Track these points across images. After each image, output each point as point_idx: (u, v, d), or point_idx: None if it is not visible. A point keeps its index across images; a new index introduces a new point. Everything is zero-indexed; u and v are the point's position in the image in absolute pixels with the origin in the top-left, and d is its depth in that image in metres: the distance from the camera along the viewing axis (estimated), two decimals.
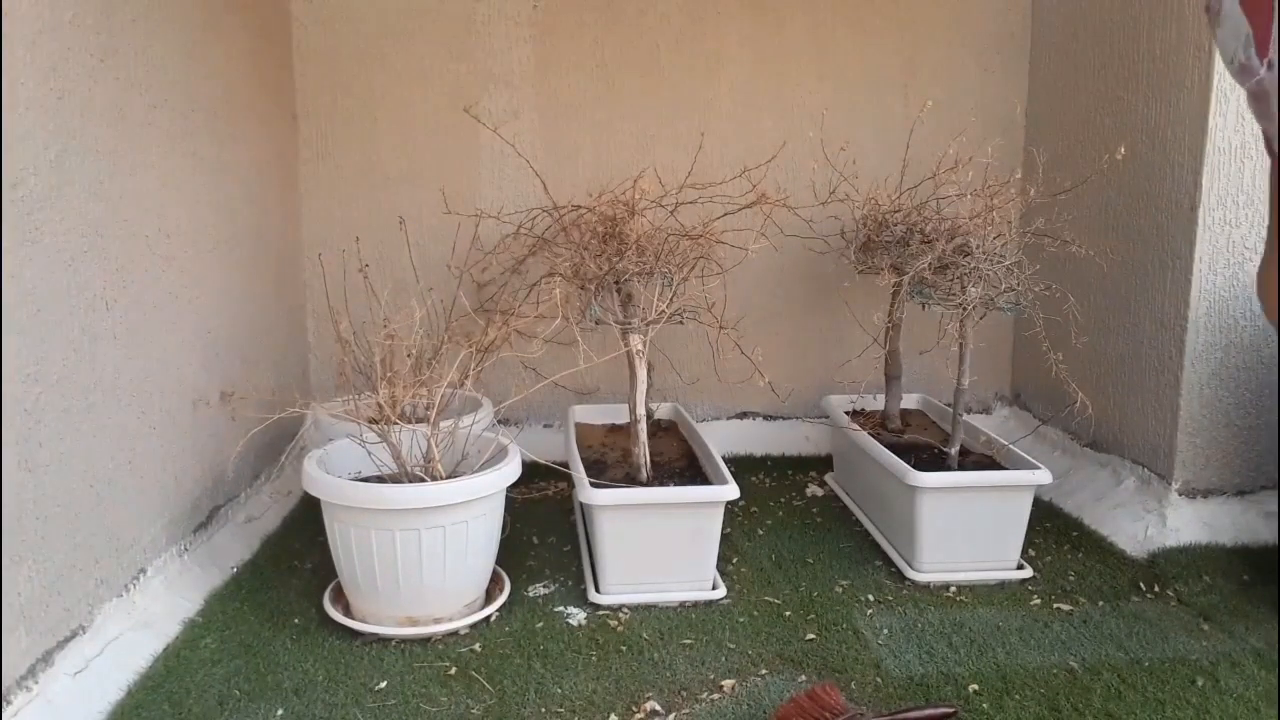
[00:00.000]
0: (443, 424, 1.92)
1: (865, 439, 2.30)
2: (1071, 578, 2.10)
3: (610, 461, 2.23)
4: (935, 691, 1.65)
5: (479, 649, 1.78)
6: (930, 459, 2.23)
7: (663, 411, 2.58)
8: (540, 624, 1.88)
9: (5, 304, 1.40)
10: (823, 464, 2.83)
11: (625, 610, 1.94)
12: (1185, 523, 2.22)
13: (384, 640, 1.81)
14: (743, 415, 3.01)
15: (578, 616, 1.91)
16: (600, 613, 1.93)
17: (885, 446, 2.21)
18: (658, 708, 1.60)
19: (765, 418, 3.01)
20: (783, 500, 2.59)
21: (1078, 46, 2.64)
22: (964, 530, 2.06)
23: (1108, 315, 2.52)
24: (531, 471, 2.17)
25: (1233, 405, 2.22)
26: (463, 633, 1.84)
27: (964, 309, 2.14)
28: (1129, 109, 2.40)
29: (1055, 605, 1.98)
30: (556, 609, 1.94)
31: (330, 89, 2.74)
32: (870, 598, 2.01)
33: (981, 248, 2.12)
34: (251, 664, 1.72)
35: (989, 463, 2.20)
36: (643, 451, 2.08)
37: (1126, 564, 2.16)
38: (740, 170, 2.39)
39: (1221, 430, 2.23)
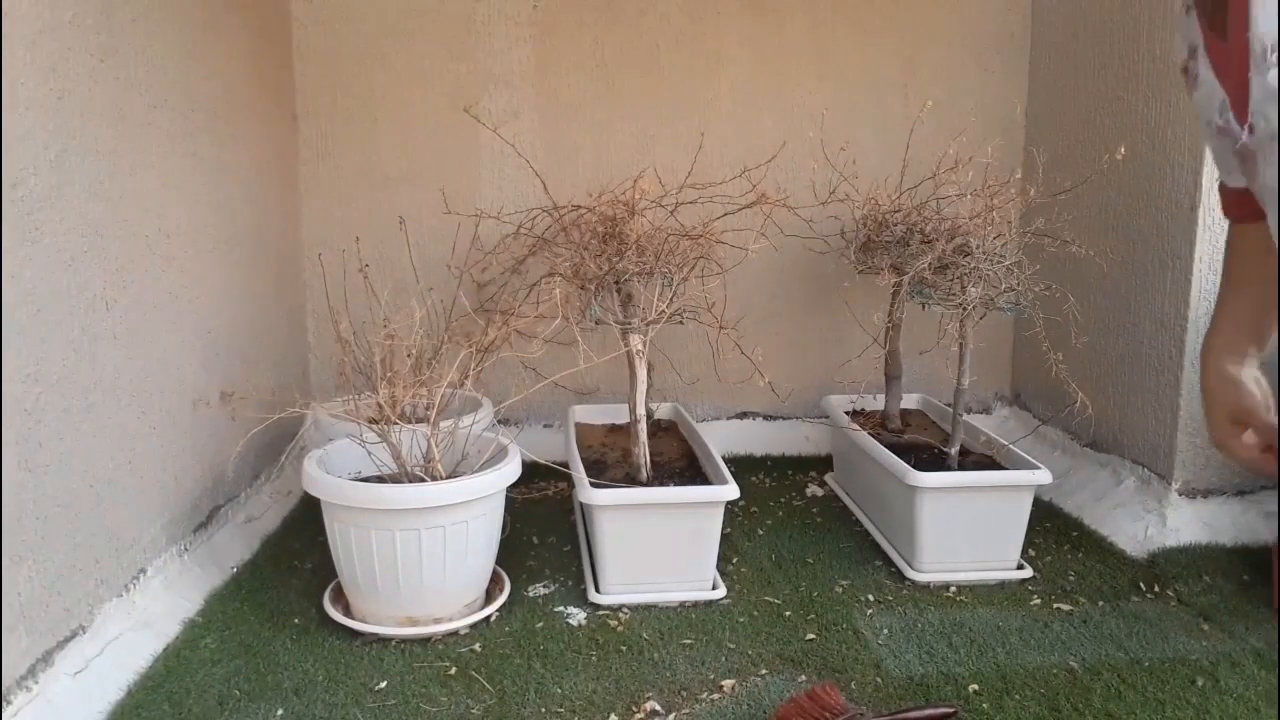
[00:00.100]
0: (443, 424, 1.92)
1: (865, 439, 2.30)
2: (1071, 578, 2.10)
3: (610, 461, 2.23)
4: (935, 691, 1.65)
5: (479, 649, 1.78)
6: (930, 459, 2.23)
7: (663, 411, 2.58)
8: (540, 624, 1.88)
9: (5, 304, 1.40)
10: (823, 464, 2.83)
11: (625, 610, 1.94)
12: (1185, 523, 2.22)
13: (384, 640, 1.81)
14: (743, 415, 3.01)
15: (578, 616, 1.91)
16: (600, 613, 1.93)
17: (885, 446, 2.21)
18: (658, 708, 1.60)
19: (765, 418, 3.01)
20: (783, 500, 2.59)
21: (1078, 46, 2.64)
22: (964, 530, 2.06)
23: (1108, 315, 2.52)
24: (531, 471, 2.17)
25: None
26: (463, 633, 1.84)
27: (964, 309, 2.14)
28: (1129, 109, 2.40)
29: (1055, 605, 1.97)
30: (556, 609, 1.94)
31: (330, 89, 2.74)
32: (870, 598, 2.01)
33: (981, 248, 2.12)
34: (251, 664, 1.72)
35: (989, 463, 2.20)
36: (643, 451, 2.08)
37: (1126, 564, 2.16)
38: (740, 170, 2.39)
39: None
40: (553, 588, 2.04)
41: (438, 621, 1.83)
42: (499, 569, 2.00)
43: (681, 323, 2.21)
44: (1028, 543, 2.17)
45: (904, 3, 2.84)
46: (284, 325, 2.66)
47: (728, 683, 1.67)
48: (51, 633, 1.54)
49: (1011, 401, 3.09)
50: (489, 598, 1.95)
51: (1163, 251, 2.28)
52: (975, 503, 2.06)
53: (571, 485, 2.39)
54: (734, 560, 2.18)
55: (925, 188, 2.36)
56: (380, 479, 1.88)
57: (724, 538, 2.09)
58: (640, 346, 2.07)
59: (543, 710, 1.59)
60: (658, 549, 1.95)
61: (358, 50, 2.73)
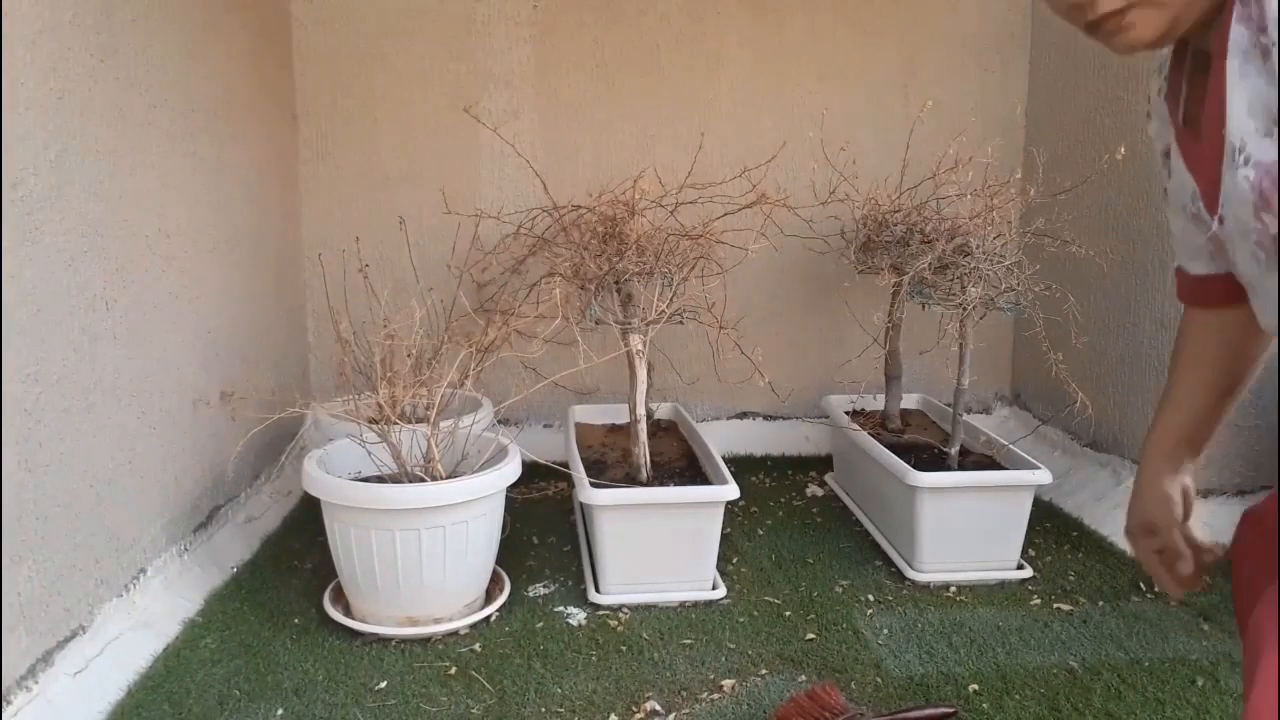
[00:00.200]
0: (443, 424, 1.92)
1: (865, 439, 2.30)
2: (1071, 578, 2.10)
3: (610, 461, 2.23)
4: (935, 691, 1.65)
5: (479, 649, 1.78)
6: (930, 459, 2.23)
7: (663, 411, 2.58)
8: (540, 624, 1.88)
9: (5, 304, 1.40)
10: (823, 464, 2.83)
11: (625, 610, 1.94)
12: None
13: (384, 640, 1.81)
14: (743, 415, 3.01)
15: (578, 616, 1.91)
16: (600, 613, 1.93)
17: (885, 446, 2.21)
18: (658, 708, 1.60)
19: (765, 418, 3.01)
20: (783, 500, 2.59)
21: (1078, 46, 2.64)
22: (964, 530, 2.06)
23: (1108, 315, 2.51)
24: (531, 471, 2.17)
25: None
26: (463, 633, 1.84)
27: (964, 309, 2.14)
28: (1129, 109, 2.40)
29: (1055, 605, 1.97)
30: (556, 609, 1.94)
31: (330, 89, 2.74)
32: (870, 598, 2.01)
33: (981, 248, 2.12)
34: (251, 664, 1.72)
35: (989, 463, 2.20)
36: (643, 451, 2.08)
37: (1126, 564, 2.16)
38: (740, 170, 2.39)
39: (1221, 430, 2.22)
40: (553, 588, 2.04)
41: (438, 621, 1.83)
42: (499, 569, 2.00)
43: (681, 323, 2.21)
44: (1028, 543, 2.17)
45: (904, 3, 2.84)
46: (284, 325, 2.66)
47: (728, 683, 1.67)
48: (51, 633, 1.54)
49: (1011, 401, 3.09)
50: (489, 598, 1.94)
51: (1163, 251, 2.27)
52: (975, 503, 2.06)
53: (571, 485, 2.39)
54: (734, 560, 2.18)
55: (925, 188, 2.36)
56: (380, 479, 1.88)
57: (724, 538, 2.09)
58: (640, 346, 2.07)
59: (543, 710, 1.59)
60: (658, 549, 1.95)
61: (358, 50, 2.73)
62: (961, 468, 2.17)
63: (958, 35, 2.87)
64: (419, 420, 1.94)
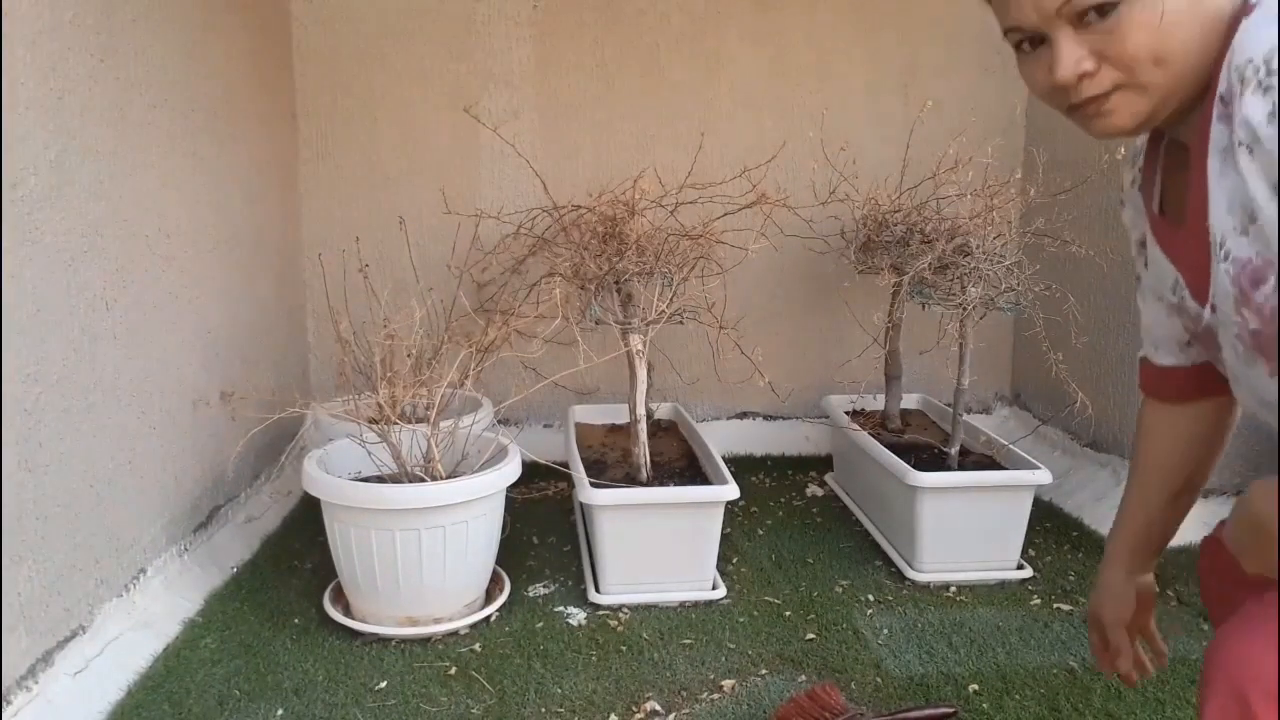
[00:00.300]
0: (443, 424, 1.92)
1: (865, 439, 2.30)
2: (1071, 578, 2.10)
3: (610, 461, 2.23)
4: (935, 691, 1.65)
5: (479, 649, 1.78)
6: (930, 459, 2.23)
7: (663, 411, 2.58)
8: (540, 624, 1.88)
9: (5, 304, 1.40)
10: (823, 464, 2.83)
11: (625, 610, 1.94)
12: (1185, 522, 2.21)
13: (384, 640, 1.81)
14: (743, 415, 3.01)
15: (578, 616, 1.91)
16: (600, 613, 1.93)
17: (885, 446, 2.21)
18: (658, 708, 1.60)
19: (765, 418, 3.01)
20: (783, 500, 2.59)
21: None
22: (964, 530, 2.06)
23: (1108, 315, 2.51)
24: (531, 471, 2.17)
25: None
26: (463, 633, 1.84)
27: (964, 309, 2.14)
28: None
29: (1055, 605, 1.97)
30: (556, 609, 1.94)
31: (330, 89, 2.74)
32: (870, 598, 2.01)
33: (981, 248, 2.12)
34: (251, 664, 1.72)
35: (989, 463, 2.20)
36: (643, 451, 2.08)
37: None
38: (740, 170, 2.39)
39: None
40: (553, 588, 2.04)
41: (438, 621, 1.83)
42: (499, 569, 2.00)
43: (681, 323, 2.21)
44: (1028, 543, 2.17)
45: (904, 3, 2.84)
46: (284, 325, 2.66)
47: (728, 683, 1.67)
48: (51, 633, 1.54)
49: (1011, 401, 3.09)
50: (489, 598, 1.95)
51: None
52: (975, 503, 2.06)
53: (571, 485, 2.39)
54: (734, 560, 2.18)
55: (925, 188, 2.36)
56: (380, 479, 1.88)
57: (724, 538, 2.09)
58: (640, 346, 2.07)
59: (543, 710, 1.59)
60: (658, 549, 1.95)
61: (358, 50, 2.73)
62: (961, 468, 2.17)
63: (958, 35, 2.87)
64: (419, 420, 1.94)
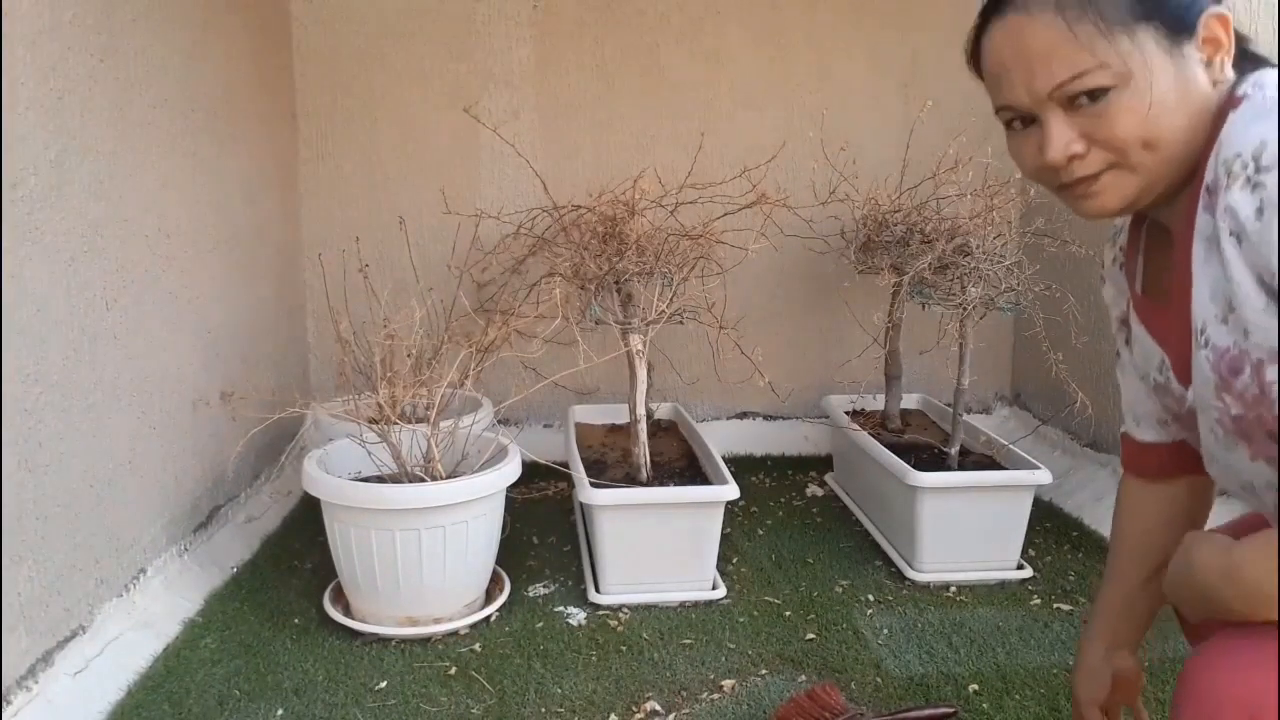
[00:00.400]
0: (443, 424, 1.92)
1: (865, 439, 2.30)
2: (1071, 578, 2.10)
3: (610, 461, 2.23)
4: (935, 691, 1.65)
5: (479, 649, 1.78)
6: (930, 459, 2.23)
7: (663, 411, 2.58)
8: (540, 624, 1.88)
9: (5, 304, 1.40)
10: (823, 464, 2.83)
11: (625, 610, 1.94)
12: None
13: (384, 640, 1.81)
14: (743, 415, 3.01)
15: (578, 616, 1.91)
16: (600, 613, 1.93)
17: (885, 446, 2.21)
18: (658, 708, 1.60)
19: (765, 418, 3.01)
20: (783, 500, 2.59)
21: None
22: (964, 530, 2.06)
23: (1108, 315, 2.51)
24: (531, 471, 2.17)
25: None
26: (463, 633, 1.84)
27: (964, 309, 2.14)
28: None
29: (1055, 605, 1.97)
30: (556, 609, 1.94)
31: (330, 89, 2.74)
32: (870, 598, 2.01)
33: (981, 248, 2.12)
34: (251, 664, 1.72)
35: (989, 463, 2.20)
36: (643, 451, 2.08)
37: None
38: (740, 170, 2.39)
39: None
40: (553, 588, 2.04)
41: (438, 621, 1.83)
42: (499, 569, 2.00)
43: (681, 323, 2.21)
44: (1028, 543, 2.17)
45: (904, 3, 2.84)
46: (284, 325, 2.66)
47: (728, 683, 1.67)
48: (51, 633, 1.54)
49: (1011, 401, 3.09)
50: (489, 598, 1.95)
51: None
52: (975, 503, 2.06)
53: (571, 485, 2.39)
54: (734, 560, 2.18)
55: (925, 188, 2.36)
56: (380, 479, 1.88)
57: (724, 538, 2.09)
58: (640, 346, 2.07)
59: (543, 710, 1.59)
60: (658, 549, 1.95)
61: (358, 50, 2.73)
62: (961, 468, 2.17)
63: (958, 35, 2.85)
64: (419, 420, 1.94)
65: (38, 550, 1.49)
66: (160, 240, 1.91)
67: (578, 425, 2.50)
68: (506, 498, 1.93)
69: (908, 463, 2.08)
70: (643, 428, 2.09)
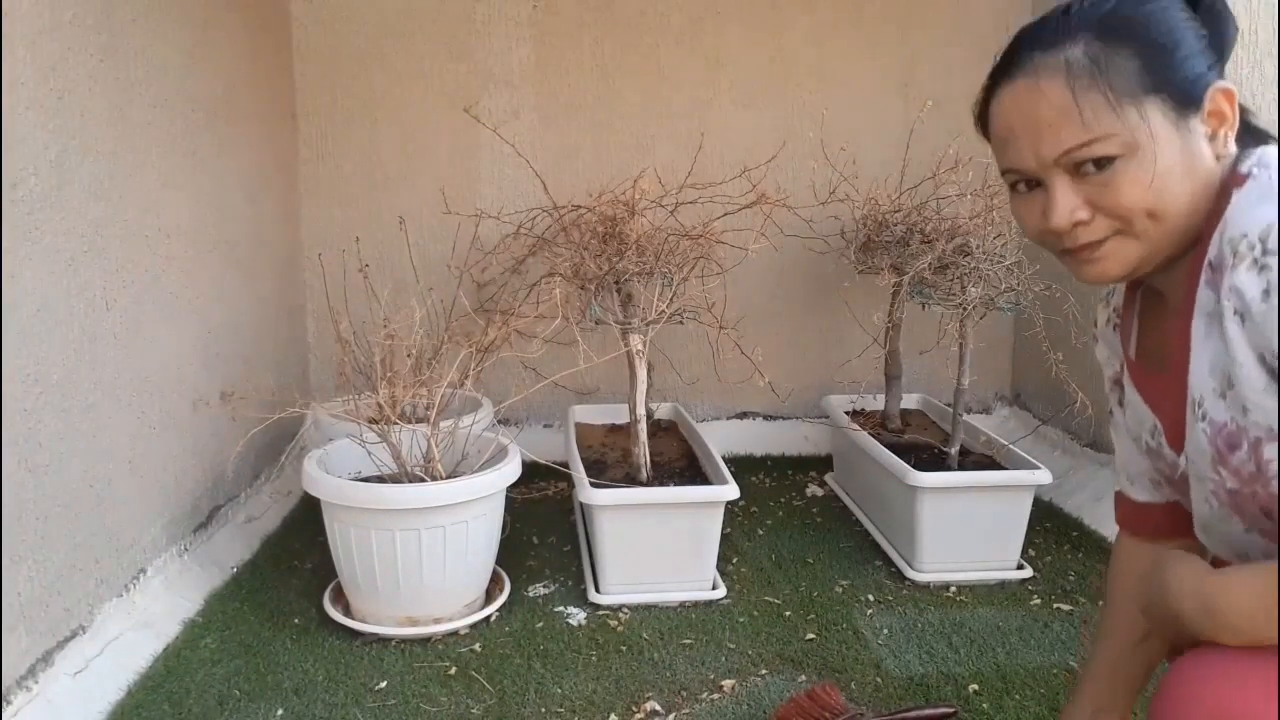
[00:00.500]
0: (443, 424, 1.92)
1: (865, 439, 2.30)
2: (1071, 578, 2.10)
3: (610, 461, 2.23)
4: (935, 691, 1.65)
5: (479, 649, 1.78)
6: (930, 459, 2.23)
7: (663, 411, 2.58)
8: (540, 624, 1.88)
9: (5, 304, 1.40)
10: (823, 464, 2.83)
11: (625, 610, 1.94)
12: None
13: (384, 640, 1.81)
14: (743, 415, 3.01)
15: (578, 616, 1.91)
16: (600, 613, 1.93)
17: (885, 446, 2.21)
18: (658, 708, 1.60)
19: (765, 418, 3.01)
20: (783, 500, 2.59)
21: None
22: (964, 530, 2.06)
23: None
24: (531, 471, 2.17)
25: None
26: (463, 633, 1.84)
27: (964, 309, 2.14)
28: None
29: (1055, 605, 1.97)
30: (556, 609, 1.94)
31: (330, 89, 2.74)
32: (870, 598, 2.01)
33: (981, 248, 2.12)
34: (251, 664, 1.72)
35: (989, 463, 2.20)
36: (643, 451, 2.08)
37: None
38: (740, 170, 2.39)
39: None
40: (553, 588, 2.04)
41: (438, 621, 1.83)
42: (499, 569, 2.00)
43: (681, 323, 2.21)
44: (1028, 543, 2.17)
45: (904, 3, 2.84)
46: (284, 325, 2.66)
47: (728, 683, 1.67)
48: (51, 633, 1.54)
49: (1011, 401, 3.09)
50: (489, 598, 1.95)
51: None
52: (975, 503, 2.06)
53: (571, 485, 2.39)
54: (734, 560, 2.18)
55: (925, 188, 2.36)
56: (380, 479, 1.88)
57: (724, 538, 2.09)
58: (640, 346, 2.07)
59: (543, 710, 1.59)
60: (658, 549, 1.95)
61: (358, 50, 2.73)
62: (961, 468, 2.17)
63: (958, 34, 2.87)
64: (419, 420, 1.94)
65: (38, 550, 1.49)
66: (160, 240, 1.91)
67: (578, 425, 2.50)
68: (506, 498, 1.93)
69: (908, 463, 2.08)
70: (643, 428, 2.09)
